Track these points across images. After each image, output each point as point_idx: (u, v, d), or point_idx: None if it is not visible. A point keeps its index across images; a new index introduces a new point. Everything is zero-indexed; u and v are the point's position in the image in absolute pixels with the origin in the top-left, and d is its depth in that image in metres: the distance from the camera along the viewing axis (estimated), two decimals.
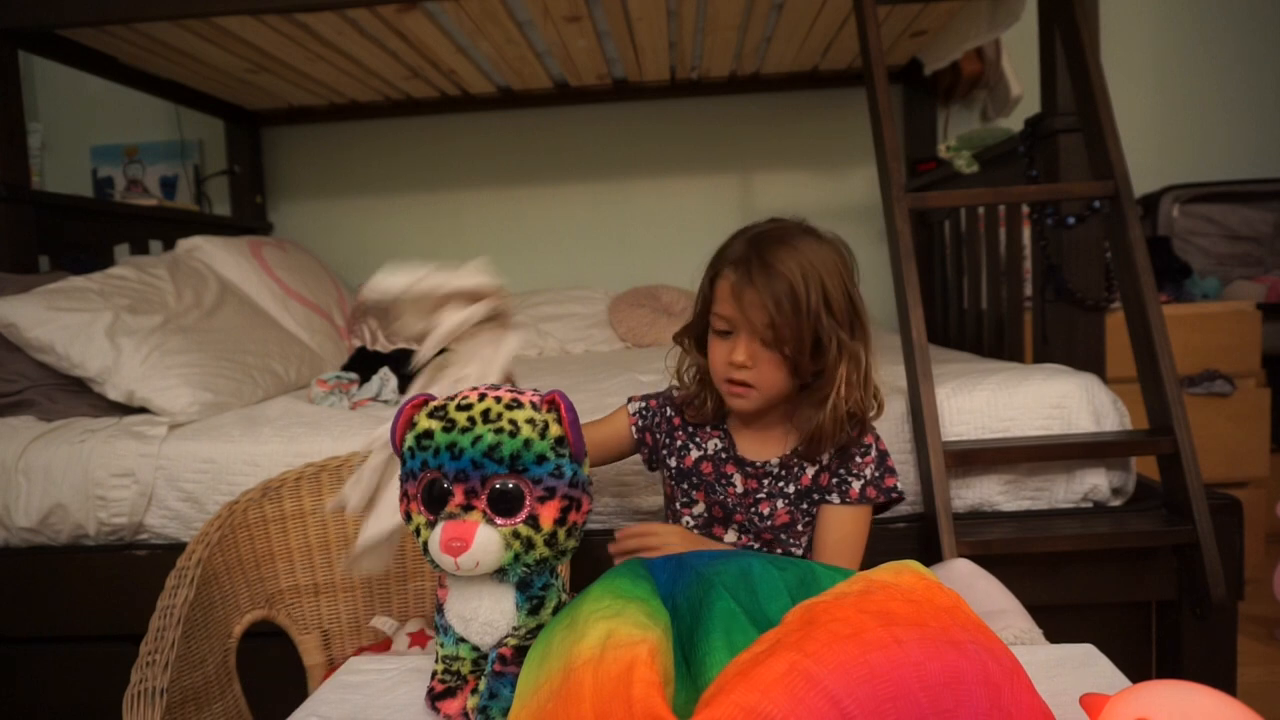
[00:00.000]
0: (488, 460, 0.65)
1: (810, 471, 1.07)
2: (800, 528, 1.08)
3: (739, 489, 1.09)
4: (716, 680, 0.52)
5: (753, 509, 1.08)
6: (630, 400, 1.19)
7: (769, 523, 1.08)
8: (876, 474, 1.07)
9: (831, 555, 1.06)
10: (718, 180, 3.14)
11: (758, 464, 1.08)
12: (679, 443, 1.13)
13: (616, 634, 0.58)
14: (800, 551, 1.09)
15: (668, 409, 1.15)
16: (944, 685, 0.48)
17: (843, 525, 1.07)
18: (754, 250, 1.01)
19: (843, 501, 1.06)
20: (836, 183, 3.08)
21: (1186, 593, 1.36)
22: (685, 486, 1.12)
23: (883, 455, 1.08)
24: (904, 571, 0.60)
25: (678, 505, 1.13)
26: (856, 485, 1.06)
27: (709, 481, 1.10)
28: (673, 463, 1.13)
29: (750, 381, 1.02)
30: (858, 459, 1.07)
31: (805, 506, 1.08)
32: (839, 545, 1.07)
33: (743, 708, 0.47)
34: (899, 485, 1.08)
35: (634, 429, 1.16)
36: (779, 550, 1.08)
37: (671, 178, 3.17)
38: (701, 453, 1.11)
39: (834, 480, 1.07)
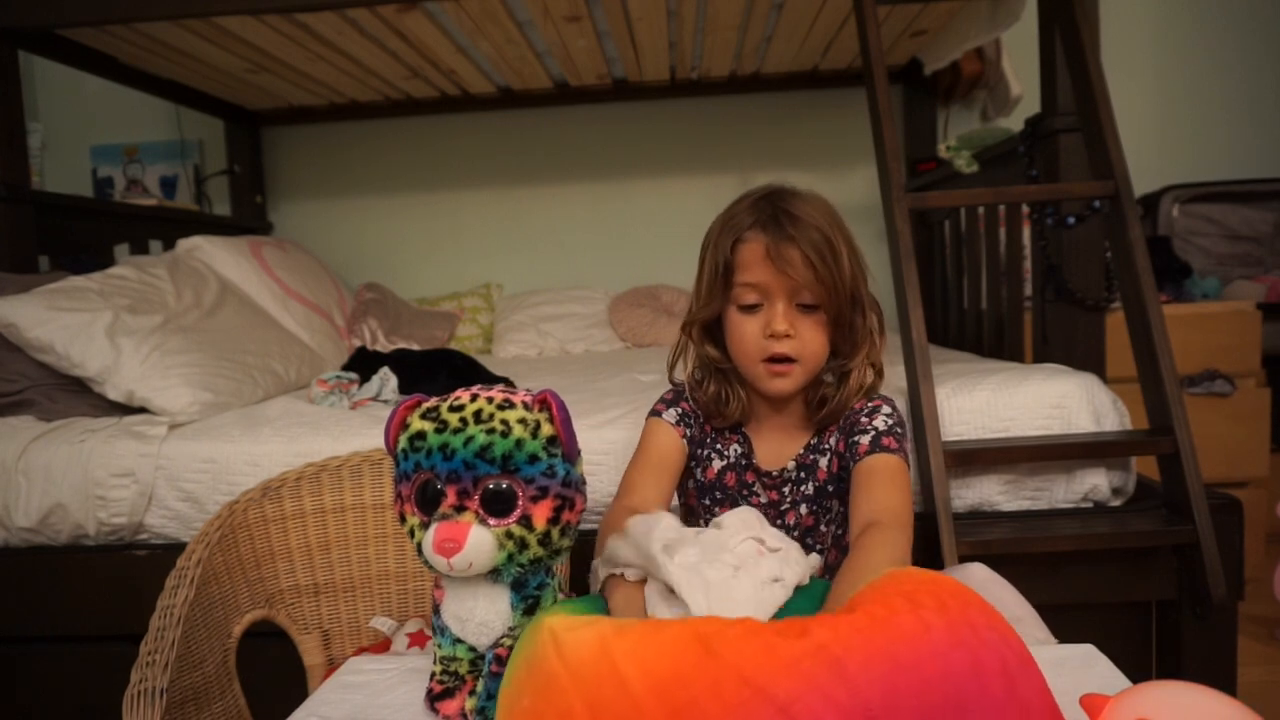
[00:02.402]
0: (480, 461, 0.65)
1: (824, 463, 1.01)
2: (823, 527, 1.03)
3: (763, 499, 1.03)
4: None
5: (778, 522, 1.02)
6: (658, 413, 1.05)
7: (795, 533, 1.02)
8: (880, 429, 0.96)
9: (873, 501, 0.90)
10: (718, 180, 3.14)
11: (774, 473, 1.03)
12: (704, 451, 1.06)
13: (559, 621, 0.54)
14: (821, 551, 1.04)
15: (698, 412, 1.06)
16: (968, 676, 0.47)
17: (864, 473, 0.93)
18: (773, 207, 0.94)
19: (856, 462, 0.95)
20: (836, 183, 3.08)
21: (1186, 593, 1.36)
22: (708, 502, 1.06)
23: (889, 419, 0.98)
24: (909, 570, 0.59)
25: (701, 522, 1.06)
26: (865, 439, 0.95)
27: (733, 494, 1.04)
28: (699, 474, 1.06)
29: (792, 354, 0.94)
30: (862, 419, 0.98)
31: (824, 502, 1.02)
32: (875, 492, 0.91)
33: (750, 685, 0.47)
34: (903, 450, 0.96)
35: (684, 440, 1.04)
36: None
37: (671, 178, 3.17)
38: (724, 461, 1.05)
39: (845, 453, 0.98)
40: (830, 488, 1.02)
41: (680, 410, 1.06)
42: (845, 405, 0.99)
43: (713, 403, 1.03)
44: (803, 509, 1.02)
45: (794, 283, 0.93)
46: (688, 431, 1.04)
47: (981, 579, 1.04)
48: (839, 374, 1.00)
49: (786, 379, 0.96)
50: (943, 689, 0.47)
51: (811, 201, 0.96)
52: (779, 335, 0.94)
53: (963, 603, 0.51)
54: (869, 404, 1.01)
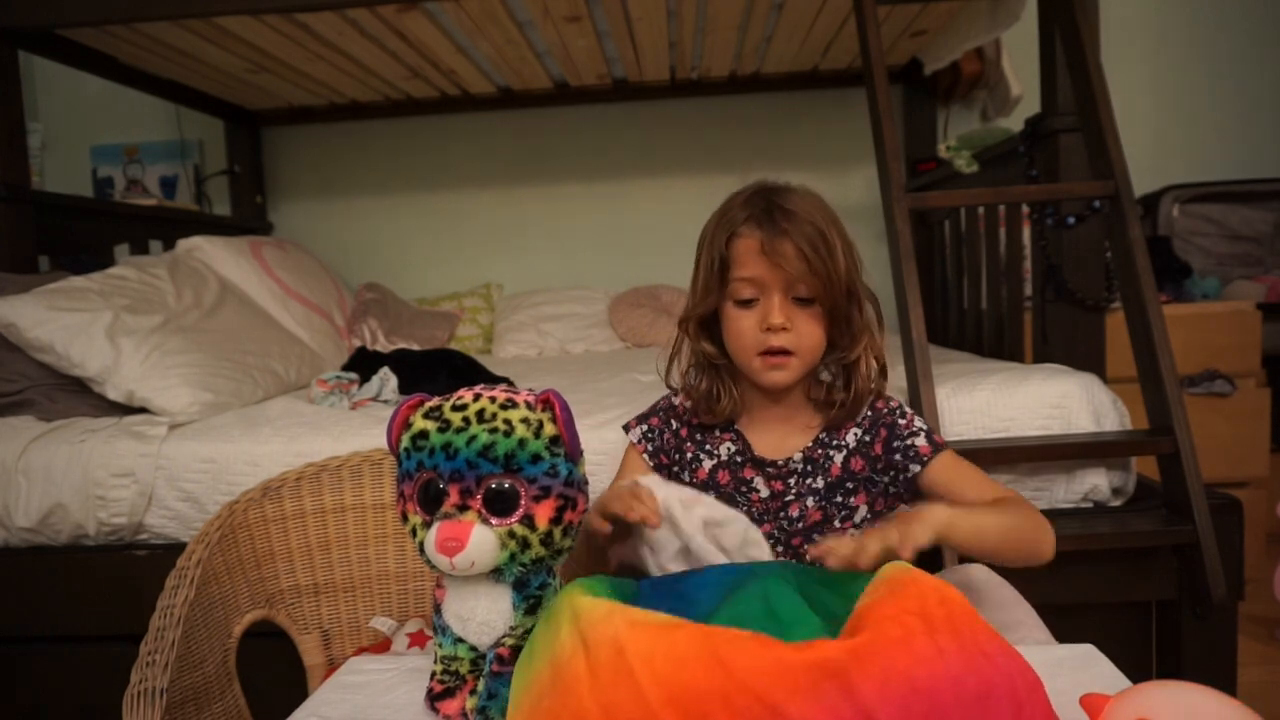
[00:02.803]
0: (482, 460, 0.65)
1: (839, 458, 0.99)
2: (838, 524, 1.00)
3: (763, 493, 1.01)
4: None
5: (781, 514, 1.00)
6: (628, 429, 1.08)
7: (799, 525, 1.00)
8: (925, 427, 0.99)
9: (982, 493, 0.95)
10: (718, 180, 3.11)
11: (779, 463, 1.01)
12: (689, 455, 1.05)
13: (583, 609, 0.55)
14: None
15: (672, 421, 1.06)
16: (976, 700, 0.48)
17: (949, 471, 0.96)
18: (767, 202, 0.95)
19: (925, 464, 0.97)
20: (836, 183, 3.08)
21: (1186, 593, 1.36)
22: None
23: (918, 415, 1.02)
24: (910, 570, 0.59)
25: None
26: (921, 440, 0.97)
27: (729, 492, 1.02)
28: (686, 479, 1.05)
29: (789, 346, 0.95)
30: (900, 421, 0.99)
31: (840, 499, 0.99)
32: (968, 485, 0.95)
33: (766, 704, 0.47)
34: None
35: (645, 456, 1.06)
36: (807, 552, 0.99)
37: (671, 178, 3.17)
38: (715, 461, 1.03)
39: (895, 457, 0.98)
40: (849, 484, 1.00)
41: (647, 426, 1.07)
42: (861, 402, 1.00)
43: (703, 399, 1.04)
44: (809, 502, 1.00)
45: (789, 276, 0.94)
46: (650, 447, 1.06)
47: (981, 580, 1.03)
48: (839, 368, 1.01)
49: (784, 371, 0.97)
50: (953, 714, 0.47)
51: (805, 196, 0.98)
52: (775, 328, 0.95)
53: (975, 627, 0.51)
54: (889, 402, 1.02)
